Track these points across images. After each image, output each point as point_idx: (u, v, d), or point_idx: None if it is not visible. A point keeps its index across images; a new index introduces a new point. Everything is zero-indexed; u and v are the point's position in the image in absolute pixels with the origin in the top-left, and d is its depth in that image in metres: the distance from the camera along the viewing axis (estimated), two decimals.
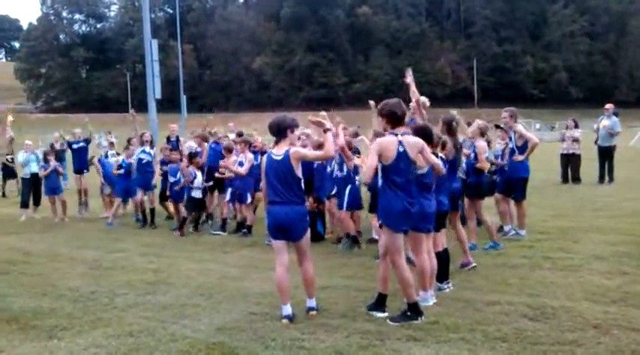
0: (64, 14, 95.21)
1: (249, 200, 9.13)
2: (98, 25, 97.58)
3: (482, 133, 7.14)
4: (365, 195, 8.08)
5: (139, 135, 10.64)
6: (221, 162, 9.32)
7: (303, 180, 4.90)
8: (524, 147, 7.70)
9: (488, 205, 8.38)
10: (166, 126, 13.13)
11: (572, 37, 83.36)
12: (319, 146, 6.44)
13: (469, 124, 7.26)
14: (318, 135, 7.75)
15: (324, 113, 5.16)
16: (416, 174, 4.81)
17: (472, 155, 7.02)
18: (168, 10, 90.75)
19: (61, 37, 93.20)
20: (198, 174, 9.68)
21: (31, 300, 5.72)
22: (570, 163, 13.90)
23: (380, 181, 4.71)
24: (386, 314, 4.78)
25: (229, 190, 9.40)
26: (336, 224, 8.44)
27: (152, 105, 16.16)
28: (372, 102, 7.04)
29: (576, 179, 13.79)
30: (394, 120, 4.74)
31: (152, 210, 10.34)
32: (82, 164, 12.34)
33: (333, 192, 8.06)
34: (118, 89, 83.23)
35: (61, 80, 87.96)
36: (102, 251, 8.24)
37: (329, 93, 79.84)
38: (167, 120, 20.02)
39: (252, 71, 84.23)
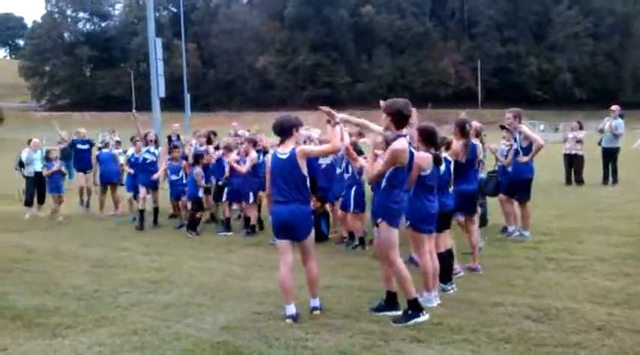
0: (69, 12, 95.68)
1: (251, 199, 9.08)
2: (102, 24, 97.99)
3: (477, 134, 7.14)
4: (368, 194, 8.05)
5: (144, 135, 10.65)
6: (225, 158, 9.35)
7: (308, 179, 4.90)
8: (528, 148, 7.67)
9: (493, 206, 8.40)
10: (170, 125, 13.19)
11: (577, 38, 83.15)
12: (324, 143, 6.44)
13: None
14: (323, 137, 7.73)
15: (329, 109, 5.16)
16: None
17: None
18: (173, 8, 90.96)
19: (66, 35, 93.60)
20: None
21: (35, 298, 5.74)
22: (573, 164, 13.83)
23: (384, 182, 4.69)
24: (400, 312, 4.75)
25: (226, 189, 9.37)
26: (340, 224, 8.41)
27: (156, 104, 16.21)
28: (383, 103, 7.02)
29: (579, 181, 13.70)
30: (400, 120, 4.73)
31: (155, 210, 10.33)
32: (85, 163, 12.39)
33: (344, 193, 7.98)
34: (122, 88, 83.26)
35: (65, 78, 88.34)
36: (105, 249, 8.27)
37: (332, 93, 79.77)
38: (171, 118, 20.09)
39: (255, 70, 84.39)
